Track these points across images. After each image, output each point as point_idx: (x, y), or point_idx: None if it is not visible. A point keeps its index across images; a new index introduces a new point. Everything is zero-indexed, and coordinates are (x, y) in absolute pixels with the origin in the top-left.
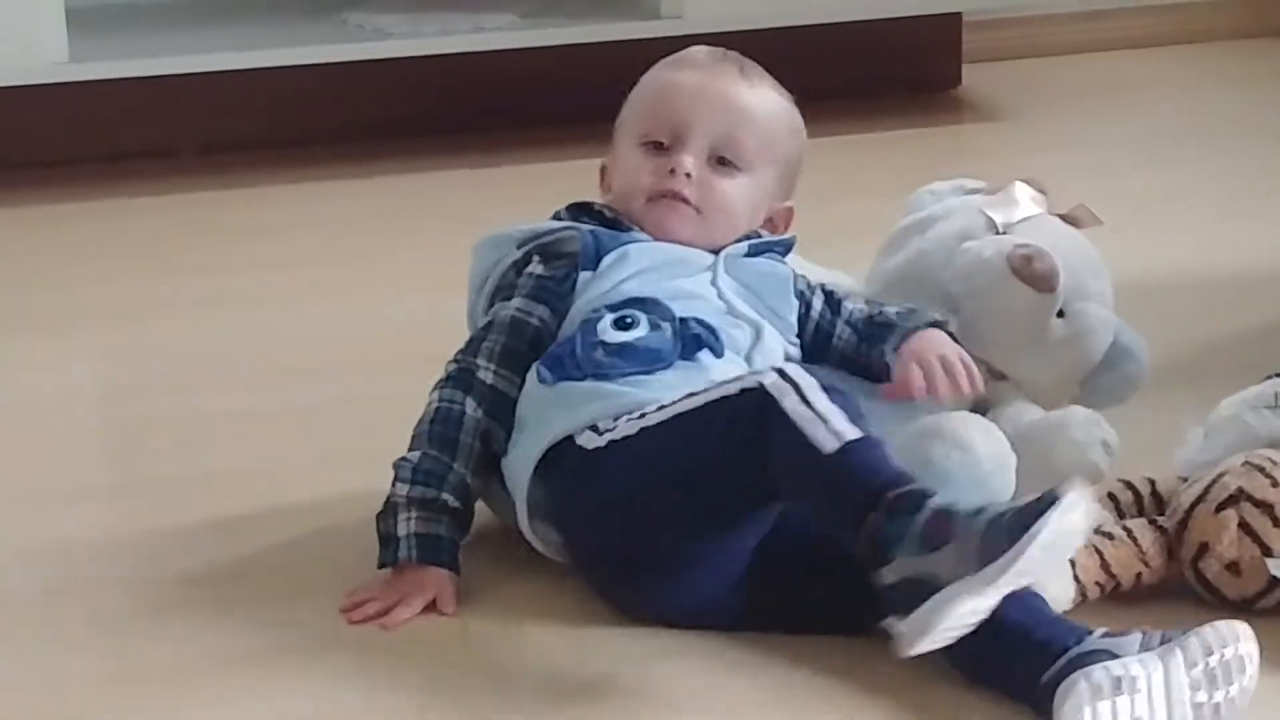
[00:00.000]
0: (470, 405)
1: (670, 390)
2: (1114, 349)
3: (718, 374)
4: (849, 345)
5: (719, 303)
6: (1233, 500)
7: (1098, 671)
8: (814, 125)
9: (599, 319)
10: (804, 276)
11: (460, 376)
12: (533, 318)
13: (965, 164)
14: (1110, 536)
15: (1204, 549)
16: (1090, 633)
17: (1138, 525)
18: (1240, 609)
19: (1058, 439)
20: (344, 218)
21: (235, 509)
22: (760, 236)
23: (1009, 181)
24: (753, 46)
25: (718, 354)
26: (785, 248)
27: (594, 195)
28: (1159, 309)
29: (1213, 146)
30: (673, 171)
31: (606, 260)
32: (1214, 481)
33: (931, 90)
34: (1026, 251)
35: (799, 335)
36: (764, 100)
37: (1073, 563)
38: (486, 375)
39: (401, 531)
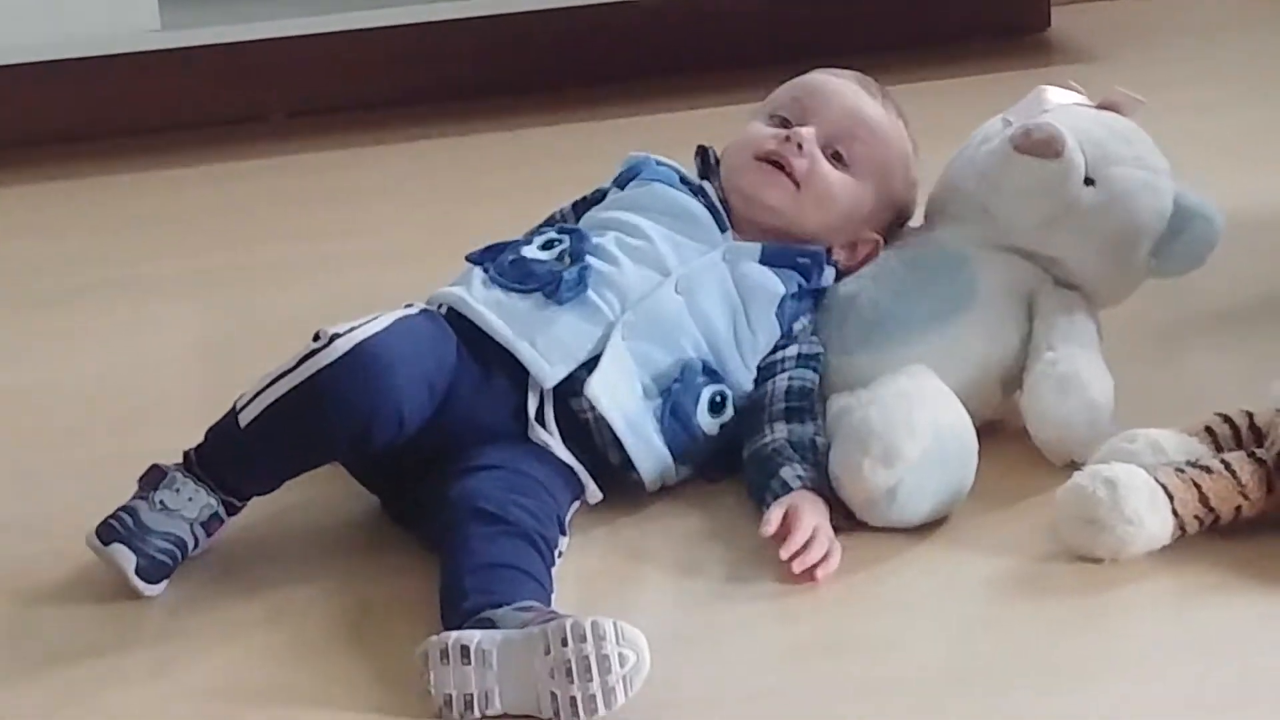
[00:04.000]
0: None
1: (501, 311)
2: (1179, 213)
3: (560, 324)
4: (762, 403)
5: (681, 284)
6: None
7: (454, 636)
8: (899, 73)
9: (537, 235)
10: (811, 322)
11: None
12: (557, 212)
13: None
14: (1208, 470)
15: None
16: (532, 606)
17: (1236, 458)
18: None
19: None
20: (430, 178)
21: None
22: (807, 246)
23: (1039, 87)
24: None
25: (559, 301)
26: (816, 262)
27: (681, 148)
28: (1258, 246)
29: None
30: (788, 139)
31: (632, 185)
32: None
33: (1020, 34)
34: (1023, 127)
35: (767, 356)
36: (891, 126)
37: (1170, 496)
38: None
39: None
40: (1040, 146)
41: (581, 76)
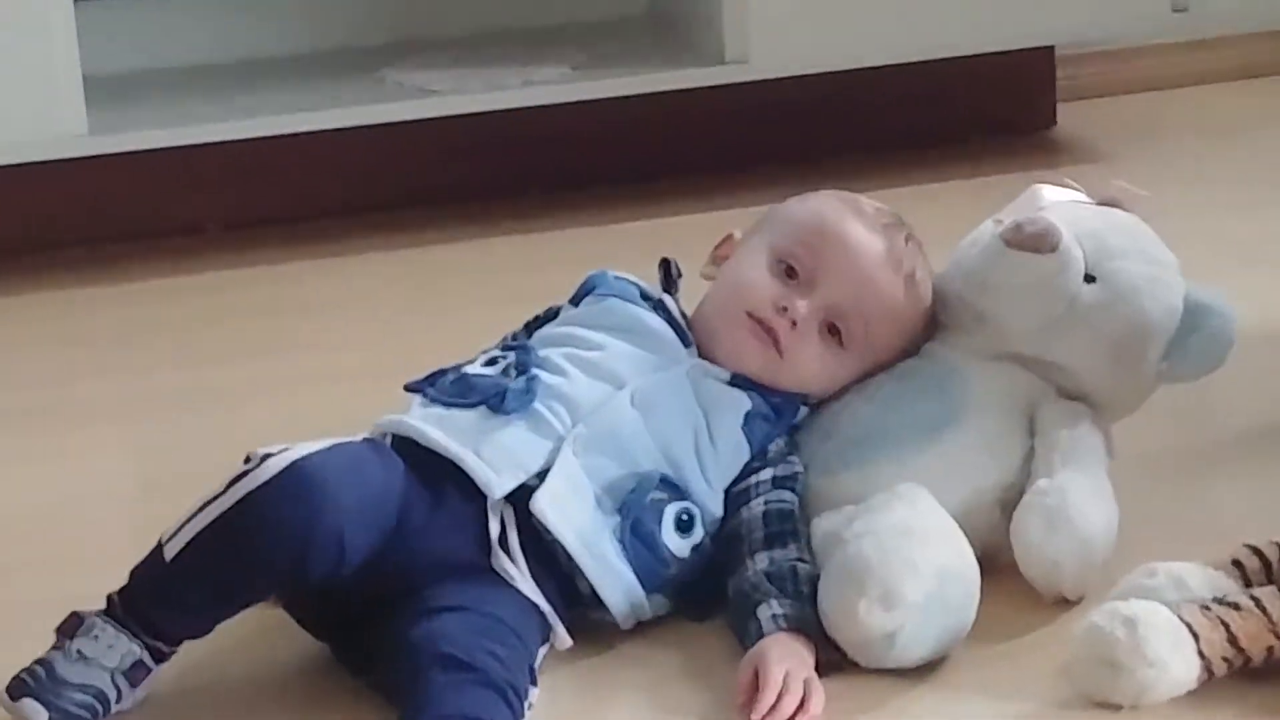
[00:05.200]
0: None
1: (442, 424)
2: (1190, 310)
3: (506, 433)
4: (741, 530)
5: (638, 399)
6: None
7: None
8: (896, 176)
9: (482, 354)
10: (791, 444)
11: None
12: (509, 335)
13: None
14: (1237, 607)
15: None
16: None
17: (1267, 594)
18: None
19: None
20: (386, 292)
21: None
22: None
23: (1034, 185)
24: (826, 91)
25: (504, 412)
26: (789, 402)
27: (653, 258)
28: (1268, 358)
29: None
30: (785, 310)
31: (587, 300)
32: None
33: (1026, 132)
34: (1015, 221)
35: (735, 481)
36: (905, 303)
37: (1196, 636)
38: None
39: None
40: (1034, 241)
41: (540, 183)
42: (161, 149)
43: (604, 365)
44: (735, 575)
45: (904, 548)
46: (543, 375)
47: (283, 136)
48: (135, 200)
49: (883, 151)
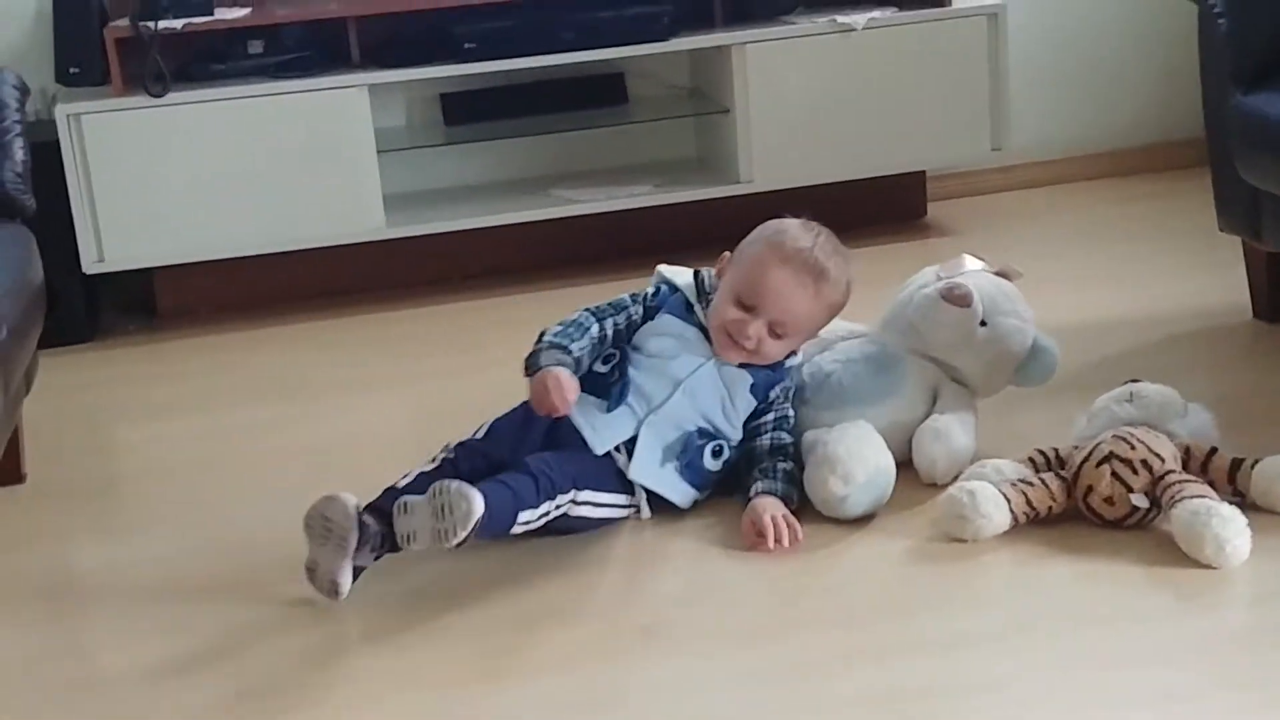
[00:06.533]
0: (597, 329)
1: (582, 406)
2: (1035, 348)
3: (609, 418)
4: (753, 452)
5: (685, 389)
6: (1106, 459)
7: (401, 499)
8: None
9: (608, 355)
10: (785, 390)
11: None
12: (622, 324)
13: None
14: (1031, 484)
15: (1089, 490)
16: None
17: (1048, 477)
18: (1114, 526)
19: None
20: (553, 316)
21: None
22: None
23: (961, 254)
24: (794, 195)
25: (608, 409)
26: (778, 369)
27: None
28: (1060, 344)
29: (1090, 242)
30: (744, 333)
31: (657, 317)
32: (1094, 448)
33: (909, 219)
34: (948, 283)
35: (749, 419)
36: (816, 307)
37: (1008, 500)
38: (608, 323)
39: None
40: (958, 300)
41: (637, 249)
42: (426, 235)
43: (666, 371)
44: (747, 475)
45: (857, 450)
46: (633, 376)
47: (501, 226)
48: (415, 262)
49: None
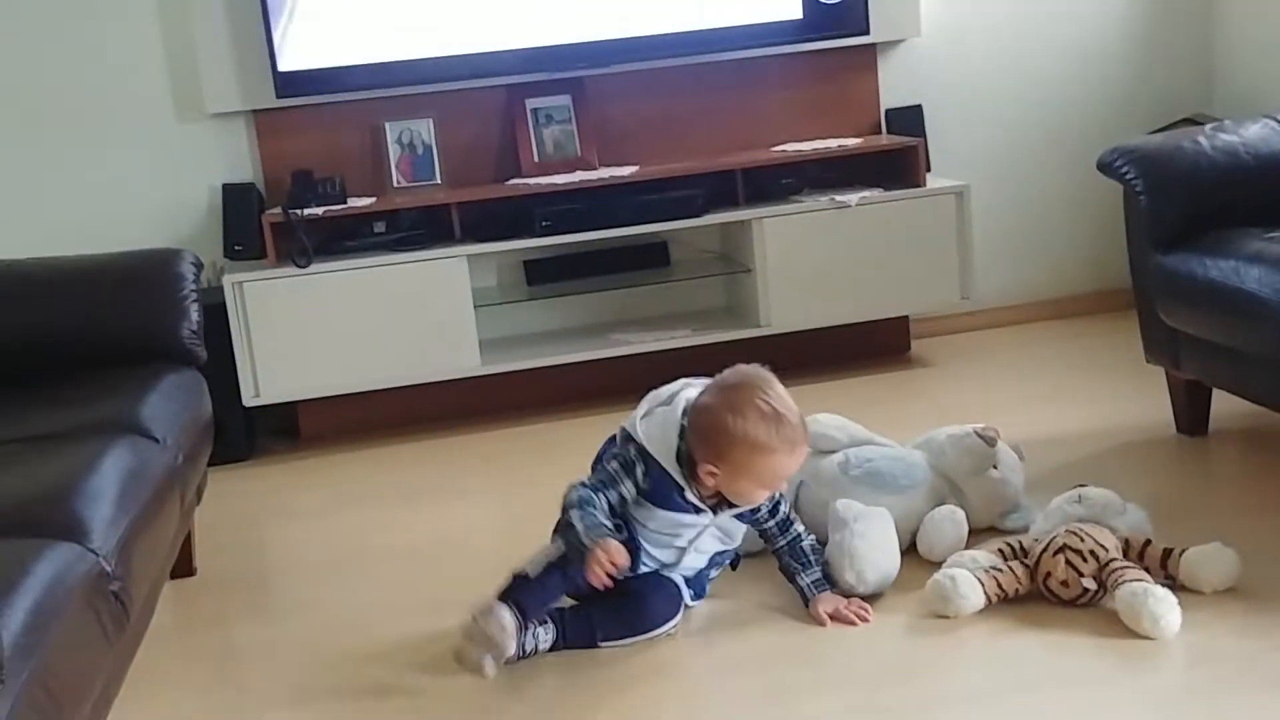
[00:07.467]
0: (602, 500)
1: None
2: (1019, 504)
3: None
4: (768, 533)
5: (693, 549)
6: (1061, 549)
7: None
8: (835, 375)
9: (615, 524)
10: (773, 499)
11: (598, 489)
12: (615, 500)
13: (913, 391)
14: (1001, 571)
15: (1048, 575)
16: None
17: (1015, 564)
18: (1069, 605)
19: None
20: (603, 436)
21: None
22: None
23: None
24: (805, 336)
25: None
26: (752, 509)
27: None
28: (1041, 456)
29: (1042, 371)
30: (773, 494)
31: (654, 504)
32: (1050, 540)
33: (895, 354)
34: (984, 426)
35: (755, 516)
36: (757, 459)
37: (983, 584)
38: (607, 497)
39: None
40: (989, 441)
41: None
42: (513, 371)
43: (673, 544)
44: (781, 561)
45: (871, 557)
46: (642, 544)
47: (571, 364)
48: (504, 393)
49: (829, 364)
